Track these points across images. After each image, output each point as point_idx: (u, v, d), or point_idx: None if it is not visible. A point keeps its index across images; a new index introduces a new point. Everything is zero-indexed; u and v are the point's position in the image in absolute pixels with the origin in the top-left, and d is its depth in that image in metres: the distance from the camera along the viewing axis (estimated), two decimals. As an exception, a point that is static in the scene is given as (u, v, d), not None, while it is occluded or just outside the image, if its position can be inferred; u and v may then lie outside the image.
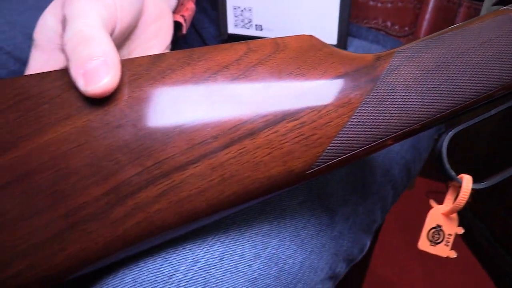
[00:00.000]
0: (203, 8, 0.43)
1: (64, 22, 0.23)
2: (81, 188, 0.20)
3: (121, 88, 0.20)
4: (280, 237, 0.23)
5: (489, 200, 1.20)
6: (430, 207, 0.23)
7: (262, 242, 0.22)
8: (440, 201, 0.23)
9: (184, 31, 0.34)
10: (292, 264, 0.23)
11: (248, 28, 0.39)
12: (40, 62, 0.23)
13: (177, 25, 0.33)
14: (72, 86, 0.21)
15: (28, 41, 0.42)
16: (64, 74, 0.21)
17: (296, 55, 0.22)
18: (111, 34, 0.22)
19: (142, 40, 0.26)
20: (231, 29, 0.40)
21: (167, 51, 0.28)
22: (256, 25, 0.39)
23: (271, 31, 0.39)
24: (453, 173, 0.22)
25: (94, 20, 0.20)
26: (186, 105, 0.20)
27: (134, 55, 0.26)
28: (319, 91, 0.21)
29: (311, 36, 0.23)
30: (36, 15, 0.38)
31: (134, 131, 0.20)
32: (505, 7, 0.23)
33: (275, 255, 0.22)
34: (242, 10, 0.39)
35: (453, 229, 0.23)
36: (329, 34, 0.38)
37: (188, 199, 0.20)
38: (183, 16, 0.34)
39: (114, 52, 0.20)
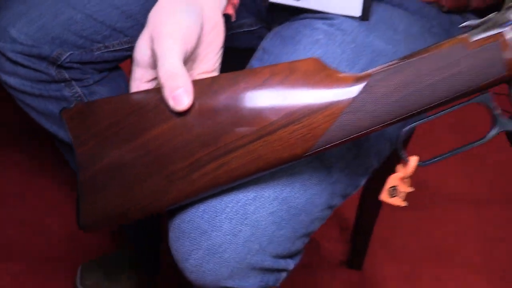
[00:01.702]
0: None
1: (153, 50, 0.34)
2: (175, 161, 0.34)
3: (193, 101, 0.33)
4: (292, 185, 0.36)
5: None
6: (393, 173, 0.35)
7: (280, 189, 0.36)
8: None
9: (234, 19, 0.43)
10: (298, 202, 0.37)
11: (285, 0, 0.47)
12: (139, 75, 0.36)
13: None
14: (164, 101, 0.33)
15: (115, 11, 0.53)
16: (157, 92, 0.34)
17: (303, 77, 0.32)
18: (185, 54, 0.34)
19: (201, 49, 0.37)
20: (271, -1, 0.48)
21: (221, 51, 0.39)
22: (294, -4, 0.47)
23: (308, 3, 0.47)
24: (404, 154, 0.33)
25: (177, 59, 0.32)
26: (232, 113, 0.33)
27: (197, 61, 0.37)
28: (315, 104, 0.32)
29: (315, 60, 0.33)
30: None
31: (202, 129, 0.33)
32: (462, 36, 0.31)
33: (287, 197, 0.36)
34: (281, -16, 0.47)
35: (405, 188, 0.35)
36: (354, 6, 0.45)
37: (236, 169, 0.33)
38: (234, 5, 0.43)
39: (190, 82, 0.32)
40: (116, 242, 0.84)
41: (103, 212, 0.36)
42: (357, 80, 0.32)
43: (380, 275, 0.93)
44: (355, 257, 0.90)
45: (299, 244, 0.39)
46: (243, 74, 0.33)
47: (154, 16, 0.35)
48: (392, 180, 0.35)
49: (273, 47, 0.47)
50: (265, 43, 0.49)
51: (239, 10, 0.55)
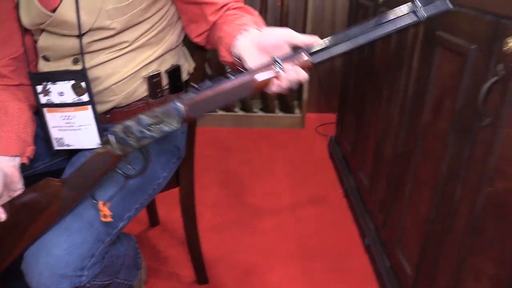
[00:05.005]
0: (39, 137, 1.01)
1: None
2: (7, 237, 0.80)
3: (7, 214, 0.80)
4: (76, 233, 0.82)
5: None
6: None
7: (67, 236, 0.78)
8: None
9: (28, 163, 0.92)
10: (79, 240, 0.76)
11: (63, 146, 0.97)
12: None
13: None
14: None
15: None
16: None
17: (41, 188, 0.80)
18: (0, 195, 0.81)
19: (9, 184, 0.84)
20: (56, 147, 0.97)
21: (20, 180, 0.87)
22: (67, 144, 0.97)
23: (74, 146, 0.96)
24: (96, 201, 0.82)
25: None
26: (24, 213, 0.80)
27: (10, 188, 0.85)
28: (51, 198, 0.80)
29: (48, 178, 0.81)
30: None
31: (14, 222, 0.80)
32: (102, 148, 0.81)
33: (72, 240, 0.77)
34: (60, 138, 0.97)
35: (107, 213, 0.82)
36: (95, 143, 0.95)
37: (33, 234, 0.79)
38: (27, 157, 0.93)
39: (2, 209, 0.79)
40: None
41: None
42: (63, 184, 0.80)
43: (223, 283, 1.35)
44: (200, 274, 1.33)
45: (87, 262, 0.82)
46: (24, 194, 0.81)
47: None
48: (101, 210, 0.82)
49: (68, 169, 0.95)
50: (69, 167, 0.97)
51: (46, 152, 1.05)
